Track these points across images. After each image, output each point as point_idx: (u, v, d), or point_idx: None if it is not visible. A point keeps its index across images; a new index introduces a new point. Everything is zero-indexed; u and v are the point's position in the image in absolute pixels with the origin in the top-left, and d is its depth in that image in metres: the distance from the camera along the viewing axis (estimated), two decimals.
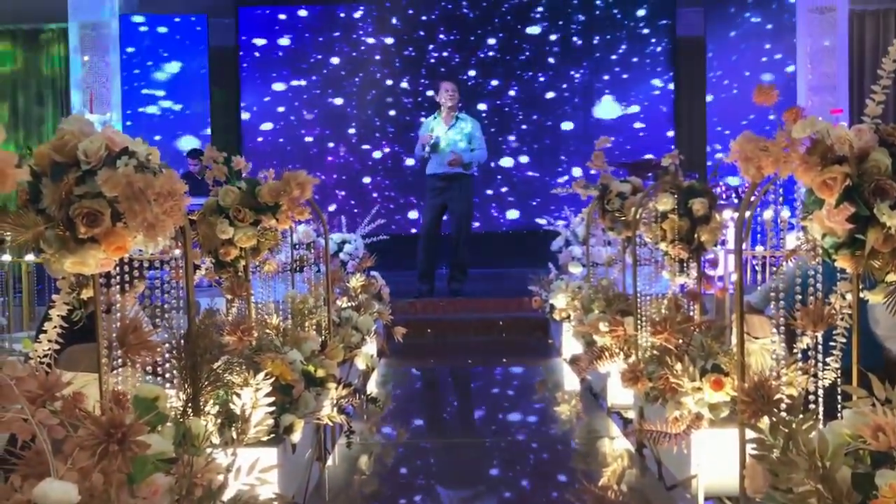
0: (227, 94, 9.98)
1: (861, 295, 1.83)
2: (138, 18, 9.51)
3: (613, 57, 10.07)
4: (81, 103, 8.92)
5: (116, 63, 9.25)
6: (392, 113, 10.12)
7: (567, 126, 10.11)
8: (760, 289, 3.71)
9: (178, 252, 2.11)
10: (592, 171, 4.35)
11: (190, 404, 2.01)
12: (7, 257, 5.53)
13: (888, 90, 1.77)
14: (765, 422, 1.68)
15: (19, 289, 5.98)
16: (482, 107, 9.97)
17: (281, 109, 10.10)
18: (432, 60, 10.13)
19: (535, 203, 10.01)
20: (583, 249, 5.87)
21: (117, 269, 1.80)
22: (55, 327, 1.73)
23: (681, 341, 2.97)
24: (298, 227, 4.68)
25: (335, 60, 10.10)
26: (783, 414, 1.80)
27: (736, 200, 6.67)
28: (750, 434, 1.66)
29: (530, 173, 10.14)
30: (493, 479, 3.42)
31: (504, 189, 10.13)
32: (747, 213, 2.17)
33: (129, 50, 9.38)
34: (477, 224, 9.33)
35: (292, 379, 2.71)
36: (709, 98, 9.62)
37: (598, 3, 10.05)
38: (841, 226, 1.69)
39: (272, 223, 2.98)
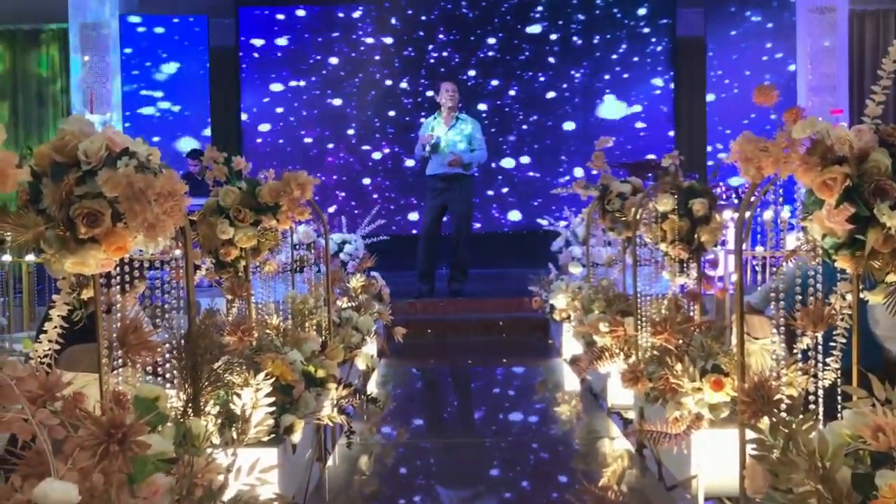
0: (226, 94, 9.97)
1: (861, 295, 1.83)
2: (138, 19, 9.50)
3: (614, 56, 10.06)
4: (82, 103, 8.93)
5: (116, 63, 9.25)
6: (392, 113, 10.11)
7: (568, 126, 10.10)
8: (760, 289, 3.71)
9: (178, 252, 2.12)
10: (594, 172, 4.35)
11: (190, 404, 2.01)
12: (7, 257, 5.53)
13: (888, 90, 1.77)
14: (765, 422, 1.68)
15: (20, 289, 5.98)
16: (482, 107, 9.96)
17: (280, 110, 10.09)
18: (432, 60, 10.12)
19: (536, 203, 10.00)
20: (583, 250, 5.87)
21: (118, 269, 1.81)
22: (55, 327, 1.73)
23: (681, 342, 2.97)
24: (299, 227, 4.68)
25: (334, 61, 10.09)
26: (783, 414, 1.80)
27: (736, 201, 6.67)
28: (750, 434, 1.66)
29: (531, 174, 10.13)
30: (493, 479, 3.42)
31: (505, 189, 10.12)
32: (747, 214, 2.17)
33: (127, 51, 9.37)
34: (478, 225, 9.33)
35: (292, 379, 2.71)
36: (710, 97, 9.62)
37: (597, 2, 10.05)
38: (841, 226, 1.69)
39: (272, 223, 2.98)
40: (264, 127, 10.09)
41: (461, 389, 5.68)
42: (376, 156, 10.16)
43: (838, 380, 1.94)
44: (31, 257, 5.36)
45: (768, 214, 5.16)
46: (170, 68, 9.56)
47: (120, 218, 1.61)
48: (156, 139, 8.76)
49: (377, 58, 10.07)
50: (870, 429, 1.45)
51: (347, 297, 4.93)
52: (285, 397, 2.66)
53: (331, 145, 10.16)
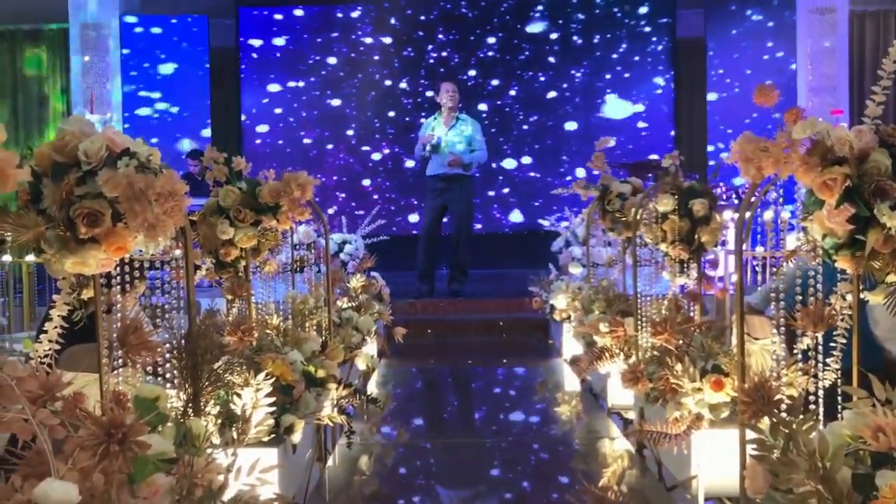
0: (227, 95, 9.96)
1: (861, 296, 1.83)
2: (138, 19, 9.50)
3: (614, 56, 10.06)
4: (82, 104, 8.93)
5: (117, 63, 9.25)
6: (392, 114, 10.11)
7: (569, 126, 10.10)
8: (761, 289, 3.71)
9: (178, 252, 2.11)
10: (595, 172, 4.35)
11: (190, 404, 2.01)
12: (8, 258, 5.53)
13: (888, 91, 1.77)
14: (765, 422, 1.68)
15: (20, 289, 5.98)
16: (482, 107, 9.96)
17: (279, 111, 10.09)
18: (431, 61, 10.12)
19: (537, 204, 9.99)
20: (583, 250, 5.87)
21: (118, 269, 1.81)
22: (56, 327, 1.73)
23: (681, 342, 2.97)
24: (299, 227, 4.68)
25: (334, 61, 10.09)
26: (783, 414, 1.80)
27: (737, 201, 6.67)
28: (750, 434, 1.66)
29: (532, 174, 10.13)
30: (493, 479, 3.42)
31: (506, 190, 10.12)
32: (747, 214, 2.17)
33: (125, 51, 9.36)
34: (479, 225, 9.33)
35: (293, 379, 2.71)
36: (711, 97, 9.62)
37: (598, 1, 10.05)
38: (841, 226, 1.69)
39: (273, 224, 2.98)
40: (264, 128, 10.09)
41: (461, 390, 5.68)
42: (376, 156, 10.16)
43: (838, 380, 1.94)
44: (31, 257, 5.34)
45: (768, 215, 5.16)
46: (169, 69, 9.56)
47: (120, 218, 1.61)
48: (154, 140, 8.77)
49: (377, 58, 10.07)
50: (870, 429, 1.45)
51: (348, 298, 4.93)
52: (285, 397, 2.66)
53: (330, 146, 10.16)
